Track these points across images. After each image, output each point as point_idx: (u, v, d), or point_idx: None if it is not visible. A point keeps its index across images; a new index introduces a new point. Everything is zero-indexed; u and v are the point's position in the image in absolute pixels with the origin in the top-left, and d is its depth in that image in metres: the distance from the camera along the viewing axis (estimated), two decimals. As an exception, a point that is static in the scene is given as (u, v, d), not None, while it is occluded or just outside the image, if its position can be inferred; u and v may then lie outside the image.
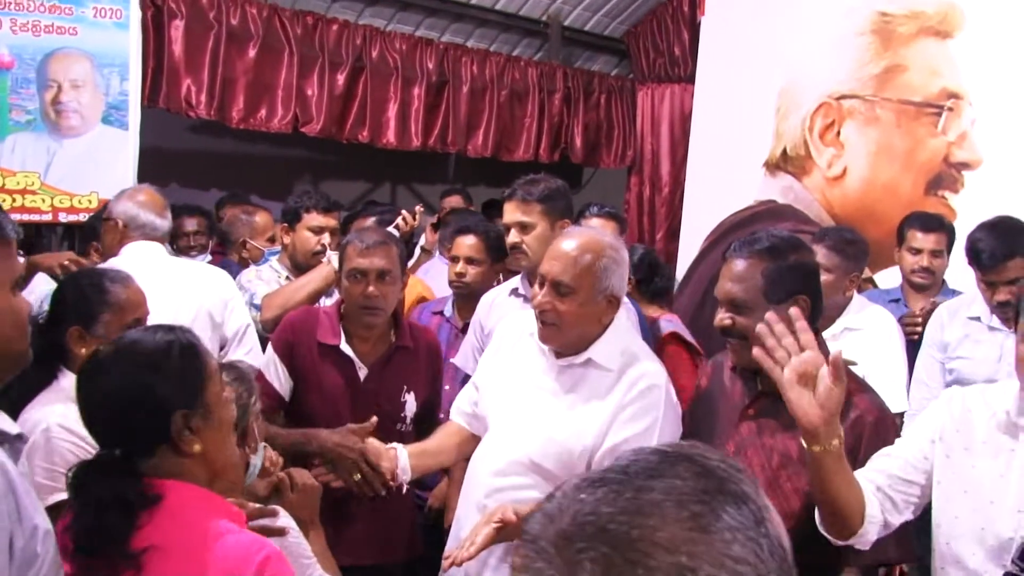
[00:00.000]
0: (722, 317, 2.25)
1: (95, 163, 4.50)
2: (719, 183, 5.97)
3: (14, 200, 4.39)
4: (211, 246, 4.64)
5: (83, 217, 4.37)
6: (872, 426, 2.16)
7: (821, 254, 3.40)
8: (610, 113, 6.75)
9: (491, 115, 6.10)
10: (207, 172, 6.94)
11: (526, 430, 2.36)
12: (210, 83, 4.95)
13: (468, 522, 2.30)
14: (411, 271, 4.12)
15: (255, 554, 1.55)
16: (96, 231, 3.69)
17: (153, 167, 5.34)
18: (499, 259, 3.48)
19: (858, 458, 2.14)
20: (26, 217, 4.40)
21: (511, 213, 3.02)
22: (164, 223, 3.19)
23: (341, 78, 5.42)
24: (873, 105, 5.23)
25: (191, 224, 4.58)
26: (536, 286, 2.34)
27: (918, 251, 3.70)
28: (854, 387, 2.25)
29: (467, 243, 3.54)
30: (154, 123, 5.13)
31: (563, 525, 0.71)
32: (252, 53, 5.09)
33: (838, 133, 5.36)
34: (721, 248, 5.78)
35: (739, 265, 2.23)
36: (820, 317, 2.31)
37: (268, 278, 3.53)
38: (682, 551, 0.70)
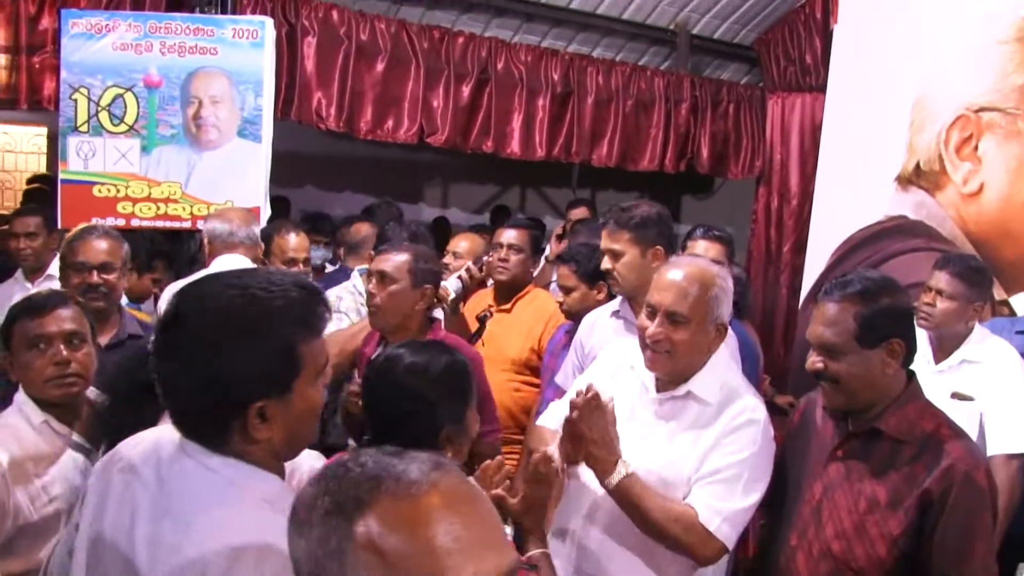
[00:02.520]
0: (814, 360, 2.23)
1: (230, 174, 4.77)
2: (849, 196, 5.78)
3: (158, 208, 4.72)
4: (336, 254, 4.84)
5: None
6: (964, 477, 2.09)
7: (944, 281, 3.29)
8: (739, 122, 6.64)
9: (616, 125, 6.11)
10: (338, 178, 7.24)
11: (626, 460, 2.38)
12: (339, 96, 5.16)
13: (557, 550, 2.32)
14: (536, 282, 4.21)
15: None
16: (270, 239, 3.99)
17: (286, 174, 5.63)
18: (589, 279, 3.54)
19: (945, 510, 2.08)
20: (168, 224, 4.73)
21: (604, 240, 3.10)
22: (241, 231, 3.51)
23: (466, 90, 5.54)
24: (1015, 119, 4.94)
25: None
26: (644, 316, 2.36)
27: None
28: (948, 434, 2.19)
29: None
30: (288, 132, 5.40)
31: None
32: (380, 67, 5.27)
33: (976, 147, 5.10)
34: (847, 265, 5.68)
35: (831, 309, 2.20)
36: (913, 359, 2.25)
37: (347, 307, 3.71)
38: None
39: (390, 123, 5.36)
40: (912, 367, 2.28)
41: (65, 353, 2.27)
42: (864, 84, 5.76)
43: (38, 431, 2.25)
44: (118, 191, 4.72)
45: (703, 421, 2.33)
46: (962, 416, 3.21)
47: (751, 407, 2.35)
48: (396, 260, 2.98)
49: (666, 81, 6.27)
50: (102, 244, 3.03)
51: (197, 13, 4.89)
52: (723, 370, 2.41)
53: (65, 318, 2.30)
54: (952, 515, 2.09)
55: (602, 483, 2.23)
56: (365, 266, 3.86)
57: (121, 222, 4.57)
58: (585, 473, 2.35)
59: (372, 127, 5.32)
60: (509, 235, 3.94)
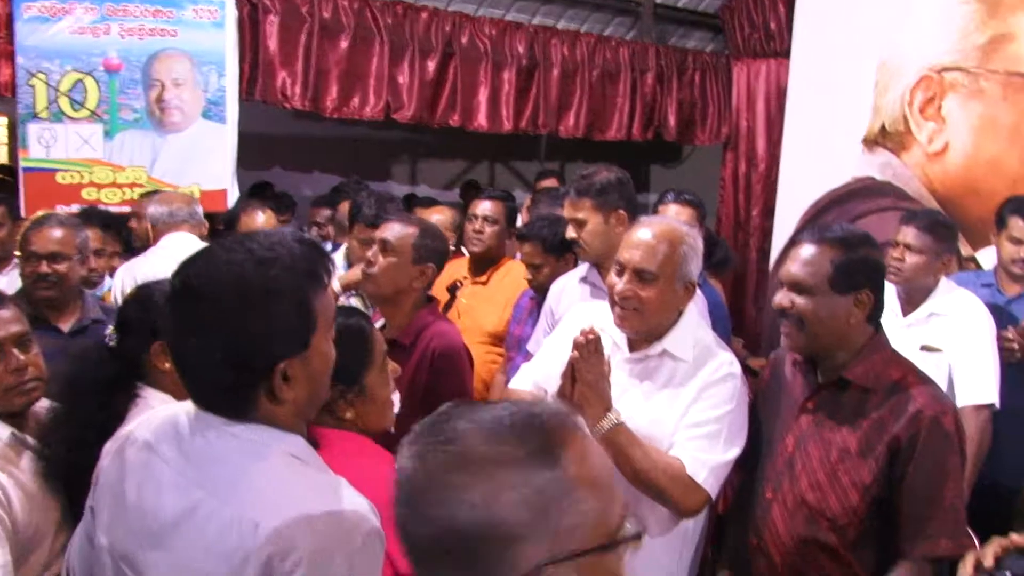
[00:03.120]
0: (781, 298, 2.25)
1: (196, 156, 4.75)
2: (815, 160, 5.82)
3: (124, 193, 4.69)
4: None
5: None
6: (932, 421, 2.13)
7: (912, 235, 3.32)
8: (705, 90, 6.65)
9: (582, 95, 6.10)
10: (306, 158, 7.19)
11: None
12: (304, 75, 5.11)
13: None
14: (511, 256, 4.22)
15: None
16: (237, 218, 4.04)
17: (253, 156, 5.59)
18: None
19: (914, 455, 2.12)
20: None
21: (567, 210, 3.12)
22: (182, 211, 3.61)
23: (432, 65, 5.51)
24: (977, 77, 5.00)
25: (321, 216, 4.83)
26: (614, 274, 2.37)
27: (1020, 241, 3.49)
28: (915, 381, 2.22)
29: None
30: (254, 113, 5.35)
31: None
32: (344, 44, 5.23)
33: (939, 107, 5.15)
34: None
35: (809, 250, 2.23)
36: (880, 315, 2.28)
37: None
38: None
39: (356, 100, 5.33)
40: (879, 321, 2.31)
41: (21, 358, 2.10)
42: (828, 48, 5.78)
43: (8, 445, 2.07)
44: (82, 177, 4.68)
45: (680, 378, 2.35)
46: (931, 368, 3.23)
47: (727, 362, 2.38)
48: (402, 232, 2.86)
49: (631, 51, 6.27)
50: (54, 234, 2.99)
51: (155, -6, 4.82)
52: (695, 327, 2.43)
53: (9, 320, 2.12)
54: (921, 460, 2.12)
55: (591, 430, 2.24)
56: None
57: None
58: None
59: (338, 105, 5.28)
60: (484, 207, 3.92)
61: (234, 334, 1.34)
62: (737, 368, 2.38)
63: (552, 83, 5.97)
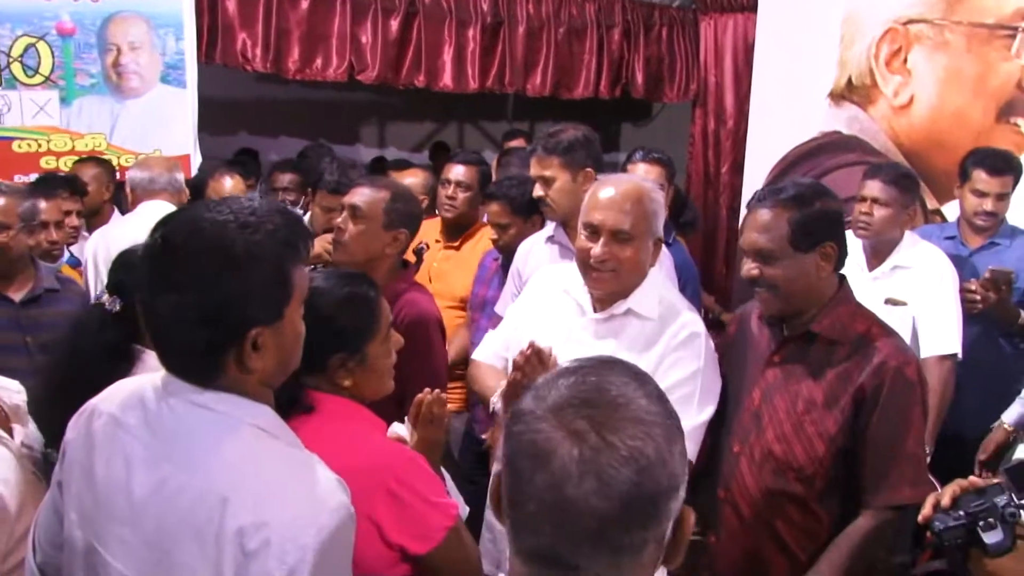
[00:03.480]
0: (749, 267, 2.25)
1: (156, 121, 4.66)
2: (783, 115, 5.81)
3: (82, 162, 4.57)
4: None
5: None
6: (895, 372, 2.15)
7: (877, 189, 3.34)
8: (672, 46, 6.59)
9: (549, 53, 6.02)
10: (270, 122, 7.09)
11: None
12: (264, 36, 5.01)
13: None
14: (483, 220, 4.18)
15: (398, 455, 1.82)
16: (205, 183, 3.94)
17: (216, 120, 5.50)
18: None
19: (879, 405, 2.14)
20: (95, 177, 4.59)
21: (534, 168, 3.09)
22: (162, 178, 3.55)
23: (395, 24, 5.41)
24: (942, 29, 4.99)
25: (284, 180, 4.71)
26: (585, 238, 2.33)
27: (983, 194, 3.51)
28: (879, 332, 2.24)
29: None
30: (215, 77, 5.25)
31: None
32: (305, 4, 5.12)
33: (905, 60, 5.14)
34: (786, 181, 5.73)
35: (764, 215, 2.22)
36: (844, 262, 2.28)
37: None
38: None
39: (319, 62, 5.24)
40: (844, 272, 2.32)
41: None
42: (794, 1, 5.76)
43: None
44: (39, 146, 4.58)
45: (646, 337, 2.36)
46: (895, 320, 3.27)
47: (691, 321, 2.38)
48: (372, 196, 2.74)
49: (597, 6, 6.19)
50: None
51: (109, -46, 4.70)
52: (659, 285, 2.44)
53: None
54: (884, 409, 2.15)
55: None
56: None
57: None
58: None
59: (300, 66, 5.19)
60: (457, 171, 3.84)
61: (211, 294, 1.32)
62: (701, 326, 2.39)
63: (518, 41, 5.89)
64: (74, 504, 1.45)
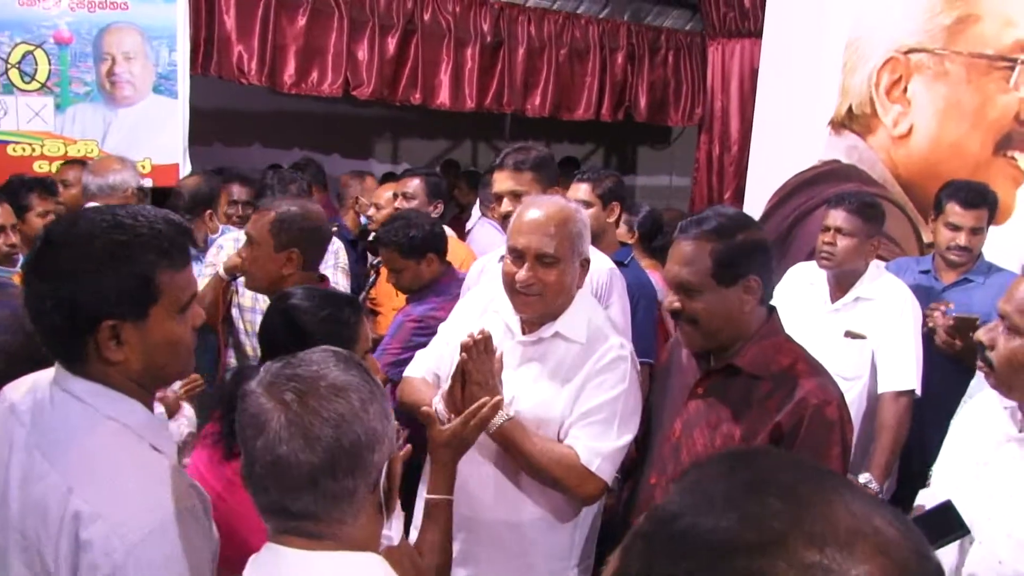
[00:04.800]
0: (671, 300, 2.20)
1: (147, 130, 4.72)
2: (785, 142, 5.75)
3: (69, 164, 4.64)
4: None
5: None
6: (815, 410, 2.09)
7: (841, 218, 3.27)
8: (678, 70, 6.57)
9: (549, 74, 6.04)
10: (254, 132, 7.15)
11: None
12: (260, 50, 5.07)
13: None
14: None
15: None
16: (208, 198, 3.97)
17: (206, 131, 5.55)
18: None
19: (795, 443, 2.08)
20: (85, 183, 4.65)
21: (503, 182, 3.02)
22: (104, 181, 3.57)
23: (392, 41, 5.46)
24: (942, 59, 4.92)
25: (240, 192, 4.67)
26: (510, 262, 2.32)
27: (956, 227, 3.42)
28: (803, 369, 2.18)
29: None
30: (207, 88, 5.31)
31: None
32: (302, 20, 5.18)
33: (905, 89, 5.08)
34: (784, 211, 5.67)
35: (687, 247, 2.17)
36: (772, 295, 2.23)
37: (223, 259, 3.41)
38: None
39: (314, 76, 5.29)
40: (773, 303, 2.27)
41: None
42: (799, 27, 5.71)
43: None
44: (33, 150, 4.65)
45: (571, 360, 2.33)
46: (854, 354, 3.23)
47: (617, 345, 2.35)
48: (258, 220, 2.79)
49: (601, 29, 6.19)
50: None
51: (106, -34, 4.78)
52: (588, 308, 2.40)
53: None
54: (802, 448, 2.08)
55: (486, 427, 2.23)
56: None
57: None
58: None
59: (296, 81, 5.24)
60: (403, 184, 3.98)
61: (65, 283, 1.41)
62: (627, 351, 2.35)
63: (518, 61, 5.90)
64: None
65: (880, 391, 3.13)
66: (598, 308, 2.51)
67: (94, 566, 1.32)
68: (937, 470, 2.10)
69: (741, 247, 2.14)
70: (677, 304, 2.19)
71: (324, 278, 2.96)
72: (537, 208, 2.33)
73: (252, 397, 1.27)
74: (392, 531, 1.64)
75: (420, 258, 3.24)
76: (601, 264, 3.04)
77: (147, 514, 1.35)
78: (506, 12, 5.86)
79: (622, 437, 2.29)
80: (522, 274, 2.28)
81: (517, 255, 2.30)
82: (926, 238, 4.90)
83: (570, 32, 6.08)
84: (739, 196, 6.36)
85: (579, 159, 8.76)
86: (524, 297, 2.31)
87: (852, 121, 5.36)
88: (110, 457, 1.41)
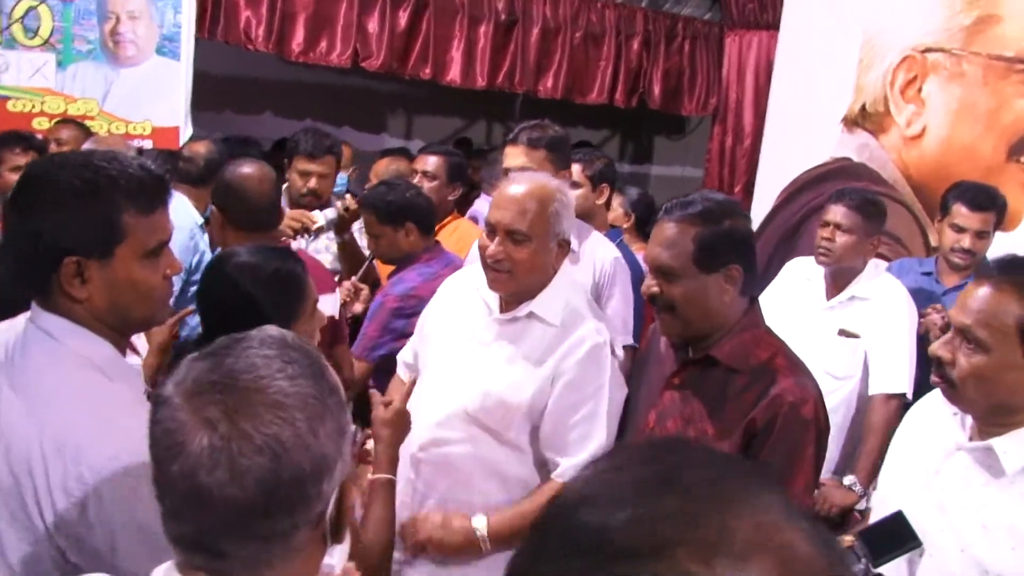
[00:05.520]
0: (649, 284, 2.13)
1: (149, 92, 4.68)
2: (797, 137, 5.67)
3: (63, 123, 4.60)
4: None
5: (136, 144, 4.54)
6: (791, 408, 2.02)
7: (841, 214, 3.20)
8: (694, 59, 6.47)
9: (563, 57, 5.95)
10: (264, 100, 7.10)
11: (463, 382, 2.34)
12: (269, 16, 5.01)
13: (401, 472, 2.29)
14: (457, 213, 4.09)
15: None
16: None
17: (216, 97, 5.51)
18: None
19: (768, 441, 2.02)
20: (84, 142, 4.62)
21: (515, 157, 2.91)
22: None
23: (403, 15, 5.39)
24: (960, 60, 4.82)
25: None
26: (485, 235, 2.29)
27: (962, 229, 3.33)
28: (782, 364, 2.11)
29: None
30: (218, 53, 5.26)
31: None
32: (312, -13, 5.12)
33: (920, 89, 4.99)
34: (792, 207, 5.59)
35: (669, 229, 2.09)
36: (755, 288, 2.17)
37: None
38: None
39: (323, 46, 5.23)
40: (757, 296, 2.21)
41: None
42: (816, 21, 5.61)
43: None
44: (33, 106, 4.62)
45: (545, 343, 2.28)
46: (847, 353, 3.16)
47: (594, 329, 2.29)
48: None
49: (617, 14, 6.10)
50: None
51: (115, -77, 4.73)
52: (567, 291, 2.35)
53: None
54: (775, 446, 2.02)
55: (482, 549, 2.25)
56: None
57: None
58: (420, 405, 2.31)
59: (304, 49, 5.18)
60: (423, 162, 3.83)
61: (31, 215, 1.45)
62: (604, 336, 2.29)
63: (531, 41, 5.82)
64: None
65: (871, 392, 3.06)
66: (578, 290, 2.44)
67: (68, 491, 1.35)
68: (884, 476, 2.02)
69: (726, 234, 2.07)
70: (655, 288, 2.12)
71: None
72: (518, 184, 2.27)
73: (168, 408, 0.99)
74: (335, 558, 1.49)
75: (398, 226, 3.14)
76: (606, 252, 3.00)
77: (111, 440, 1.36)
78: (520, -8, 5.79)
79: (611, 435, 2.28)
80: (492, 248, 2.24)
81: (491, 229, 2.26)
82: (933, 241, 4.81)
83: (586, 15, 6.00)
84: (749, 190, 6.27)
85: (594, 144, 8.71)
86: (494, 273, 2.26)
87: (865, 119, 5.27)
88: (75, 389, 1.43)
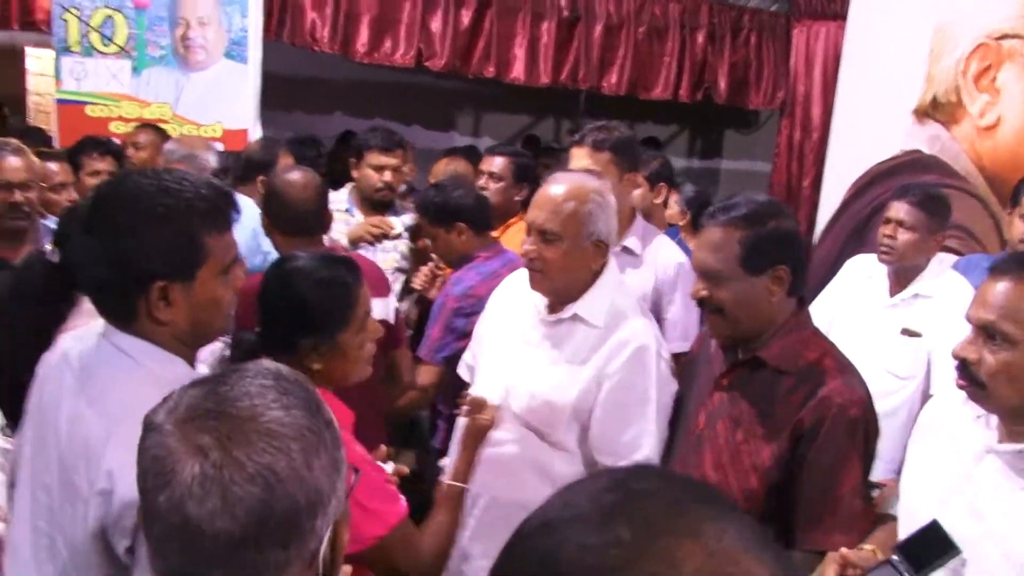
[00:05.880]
0: (697, 288, 2.14)
1: (218, 95, 4.80)
2: (866, 129, 5.55)
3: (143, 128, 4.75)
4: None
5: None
6: (839, 409, 2.01)
7: (904, 211, 3.14)
8: (760, 51, 6.37)
9: (627, 52, 5.92)
10: (332, 100, 7.21)
11: (511, 383, 2.37)
12: (334, 17, 5.10)
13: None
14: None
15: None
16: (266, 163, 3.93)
17: (285, 97, 5.63)
18: None
19: (816, 442, 2.01)
20: (158, 145, 4.77)
21: (580, 160, 2.91)
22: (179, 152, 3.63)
23: (467, 14, 5.42)
24: (1036, 47, 4.66)
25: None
26: (525, 234, 2.32)
27: None
28: (830, 365, 2.10)
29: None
30: (286, 54, 5.37)
31: None
32: (376, -11, 5.19)
33: (994, 78, 4.83)
34: (862, 202, 5.47)
35: (715, 233, 2.10)
36: (804, 287, 2.15)
37: None
38: None
39: (387, 46, 5.30)
40: (805, 296, 2.19)
41: None
42: (885, 10, 5.49)
43: None
44: (110, 111, 4.79)
45: (589, 345, 2.30)
46: (910, 352, 3.10)
47: (638, 331, 2.30)
48: None
49: (682, 7, 6.04)
50: (18, 161, 2.95)
51: (185, -68, 4.87)
52: (612, 292, 2.35)
53: None
54: (822, 447, 2.01)
55: None
56: None
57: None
58: None
59: (368, 50, 5.26)
60: (489, 162, 3.84)
61: (118, 243, 1.47)
62: (648, 337, 2.30)
63: (595, 37, 5.81)
64: (29, 434, 1.60)
65: (932, 392, 2.99)
66: (625, 290, 2.45)
67: (116, 519, 1.37)
68: (907, 485, 1.97)
69: (771, 235, 2.07)
70: (704, 292, 2.13)
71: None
72: (557, 184, 2.30)
73: (158, 434, 0.96)
74: None
75: (449, 227, 3.16)
76: (669, 257, 2.98)
77: None
78: (583, -13, 5.77)
79: (652, 442, 2.29)
80: (526, 246, 2.28)
81: (527, 228, 2.30)
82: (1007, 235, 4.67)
83: (649, 9, 5.96)
84: (817, 184, 6.17)
85: (661, 140, 8.64)
86: (530, 272, 2.31)
87: (936, 110, 5.13)
88: (144, 406, 1.45)
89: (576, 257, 2.26)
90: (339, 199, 3.68)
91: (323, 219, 2.85)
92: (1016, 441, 1.70)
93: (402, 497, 1.89)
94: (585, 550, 0.63)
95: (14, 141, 3.04)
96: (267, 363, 1.06)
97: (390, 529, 1.81)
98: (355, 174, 3.70)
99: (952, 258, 3.43)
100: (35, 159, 3.06)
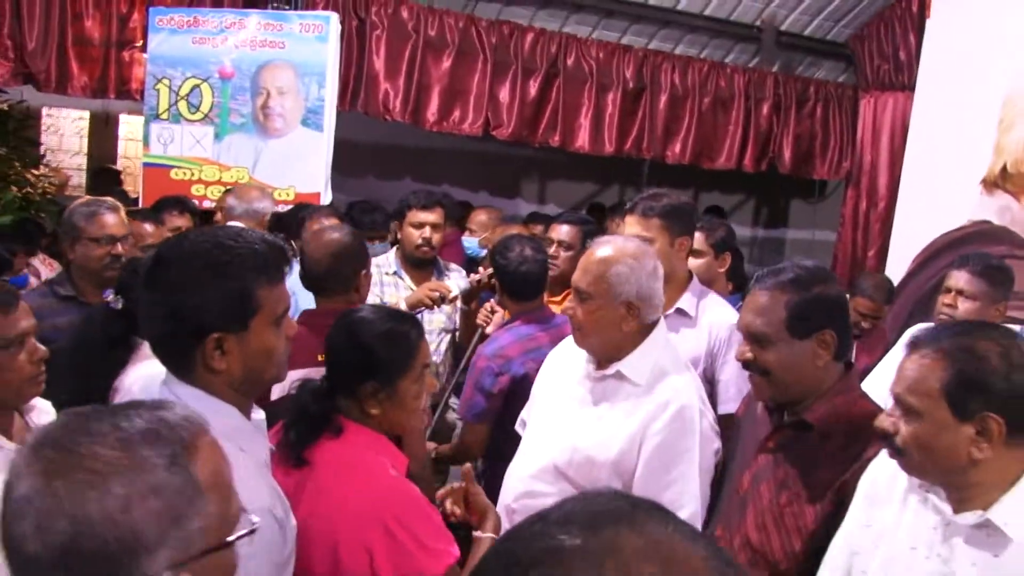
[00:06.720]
0: (743, 350, 2.18)
1: (294, 160, 5.01)
2: (933, 199, 5.52)
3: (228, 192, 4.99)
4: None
5: (281, 208, 4.87)
6: None
7: (964, 280, 3.13)
8: (827, 122, 6.42)
9: (691, 122, 6.02)
10: (402, 166, 7.42)
11: (555, 437, 2.43)
12: (406, 89, 5.30)
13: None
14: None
15: (403, 495, 1.89)
16: (288, 223, 4.12)
17: (360, 164, 5.84)
18: None
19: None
20: (235, 207, 4.99)
21: (631, 227, 2.98)
22: (239, 207, 3.80)
23: (534, 84, 5.60)
24: (1107, 118, 4.62)
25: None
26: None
27: None
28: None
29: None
30: (361, 122, 5.59)
31: None
32: (447, 61, 5.39)
33: (1064, 149, 4.79)
34: (927, 272, 5.41)
35: (761, 297, 2.15)
36: (849, 352, 2.17)
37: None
38: None
39: (456, 115, 5.48)
40: (848, 358, 2.21)
41: (43, 349, 2.03)
42: (954, 80, 5.48)
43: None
44: (192, 174, 5.03)
45: (631, 402, 2.34)
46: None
47: (680, 388, 2.33)
48: None
49: (747, 78, 6.13)
50: (116, 217, 3.14)
51: (269, 9, 5.14)
52: (658, 351, 2.39)
53: (28, 313, 2.03)
54: (866, 510, 2.01)
55: None
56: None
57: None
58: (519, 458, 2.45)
59: (438, 119, 5.45)
60: (559, 231, 3.89)
61: (175, 296, 1.55)
62: (692, 395, 2.32)
63: (659, 108, 5.92)
64: None
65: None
66: (671, 349, 2.49)
67: None
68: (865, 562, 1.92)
69: (816, 300, 2.10)
70: (749, 354, 2.16)
71: None
72: (601, 246, 2.38)
73: (21, 450, 1.01)
74: None
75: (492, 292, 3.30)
76: (723, 318, 2.98)
77: (247, 501, 1.41)
78: (650, 59, 5.91)
79: (695, 502, 2.30)
80: (566, 304, 2.41)
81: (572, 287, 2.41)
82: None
83: (715, 80, 6.06)
84: (883, 254, 6.12)
85: (726, 209, 8.67)
86: (572, 329, 2.42)
87: (1006, 180, 5.09)
88: None
89: (606, 316, 2.32)
90: (387, 263, 3.81)
91: (341, 280, 2.78)
92: (966, 509, 1.70)
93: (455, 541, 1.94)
94: (539, 537, 0.73)
95: (109, 199, 3.25)
96: (169, 404, 1.09)
97: (446, 568, 1.86)
98: (400, 235, 3.82)
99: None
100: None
